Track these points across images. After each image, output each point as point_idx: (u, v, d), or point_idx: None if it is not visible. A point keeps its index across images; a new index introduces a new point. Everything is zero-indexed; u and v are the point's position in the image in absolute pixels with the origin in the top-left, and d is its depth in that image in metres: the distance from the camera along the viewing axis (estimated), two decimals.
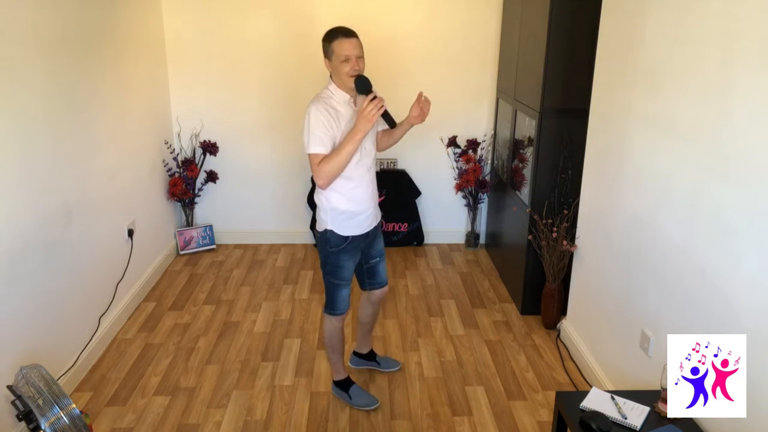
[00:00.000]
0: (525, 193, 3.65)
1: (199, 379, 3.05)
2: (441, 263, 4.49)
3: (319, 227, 2.60)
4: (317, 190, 2.56)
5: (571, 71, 3.25)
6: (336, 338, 2.80)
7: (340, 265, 2.62)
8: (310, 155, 2.43)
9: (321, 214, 2.58)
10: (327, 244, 2.58)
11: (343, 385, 2.89)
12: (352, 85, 2.44)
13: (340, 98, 2.49)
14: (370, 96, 2.37)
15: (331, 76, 2.52)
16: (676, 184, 2.25)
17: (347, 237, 2.58)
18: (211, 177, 4.60)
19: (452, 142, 4.57)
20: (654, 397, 2.13)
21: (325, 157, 2.41)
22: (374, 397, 2.88)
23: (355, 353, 3.15)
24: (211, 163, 4.63)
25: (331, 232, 2.56)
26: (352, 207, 2.55)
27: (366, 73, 2.46)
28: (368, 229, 2.64)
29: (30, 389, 2.17)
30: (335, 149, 2.41)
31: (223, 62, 4.42)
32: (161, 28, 4.30)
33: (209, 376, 3.09)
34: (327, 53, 2.46)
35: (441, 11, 4.37)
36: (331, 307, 2.71)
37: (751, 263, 1.85)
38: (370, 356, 3.12)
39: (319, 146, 2.40)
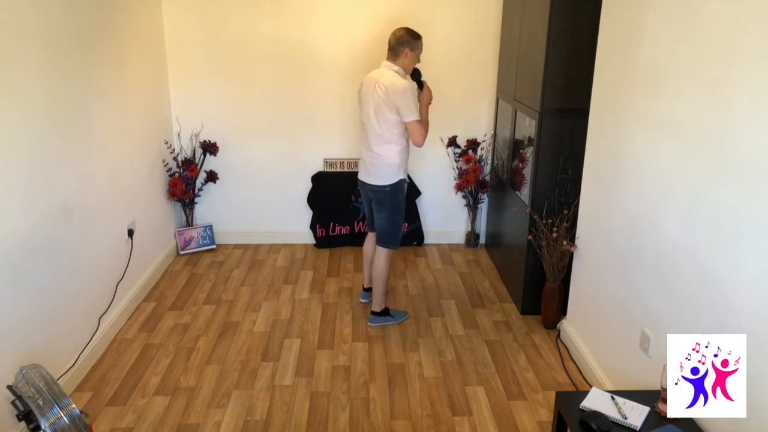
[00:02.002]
0: (525, 193, 3.65)
1: (199, 379, 3.06)
2: (441, 263, 4.49)
3: (391, 180, 3.30)
4: (391, 151, 3.25)
5: (571, 71, 3.25)
6: (389, 269, 3.53)
7: (404, 204, 3.42)
8: (416, 122, 3.16)
9: (392, 170, 3.28)
10: (399, 192, 3.35)
11: (384, 313, 3.57)
12: (410, 72, 3.32)
13: (405, 77, 3.26)
14: (426, 82, 3.42)
15: (391, 59, 3.26)
16: (676, 184, 2.25)
17: (406, 182, 3.40)
18: (211, 177, 4.60)
19: (452, 142, 4.57)
20: (654, 397, 2.13)
21: (423, 122, 3.23)
22: (405, 311, 3.70)
23: (365, 289, 3.83)
24: (211, 163, 4.63)
25: (402, 180, 3.34)
26: (407, 158, 3.38)
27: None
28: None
29: (30, 389, 2.17)
30: (423, 118, 3.27)
31: (224, 62, 4.42)
32: (161, 28, 4.30)
33: (209, 376, 3.09)
34: (413, 47, 3.23)
35: (441, 11, 4.37)
36: (395, 242, 3.45)
37: (751, 263, 1.85)
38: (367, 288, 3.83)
39: (419, 114, 3.20)
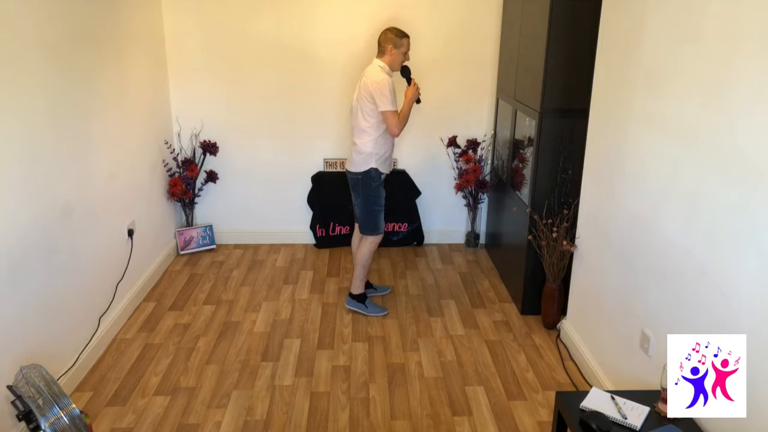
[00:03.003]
0: (525, 193, 3.65)
1: (199, 379, 3.06)
2: (441, 263, 4.49)
3: (362, 168, 3.49)
4: (364, 140, 3.45)
5: (571, 71, 3.25)
6: (371, 257, 3.68)
7: (380, 194, 3.57)
8: (389, 112, 3.37)
9: (363, 158, 3.48)
10: (370, 180, 3.52)
11: (360, 298, 3.71)
12: (399, 69, 3.51)
13: (390, 73, 3.46)
14: (414, 79, 3.59)
15: (378, 56, 3.47)
16: (676, 184, 2.25)
17: (382, 173, 3.54)
18: (211, 177, 4.60)
19: (452, 142, 4.57)
20: (654, 397, 2.13)
21: (400, 114, 3.43)
22: (384, 307, 3.75)
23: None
24: (211, 163, 4.63)
25: (375, 169, 3.50)
26: (388, 150, 3.54)
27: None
28: (389, 170, 3.62)
29: (30, 389, 2.17)
30: (402, 110, 3.47)
31: (224, 62, 4.42)
32: (161, 28, 4.30)
33: (209, 376, 3.09)
34: (396, 44, 3.43)
35: (441, 11, 4.37)
36: (375, 229, 3.61)
37: (752, 263, 1.85)
38: (368, 285, 3.89)
39: (394, 106, 3.39)
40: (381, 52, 3.46)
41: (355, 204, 3.65)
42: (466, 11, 4.38)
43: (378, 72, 3.40)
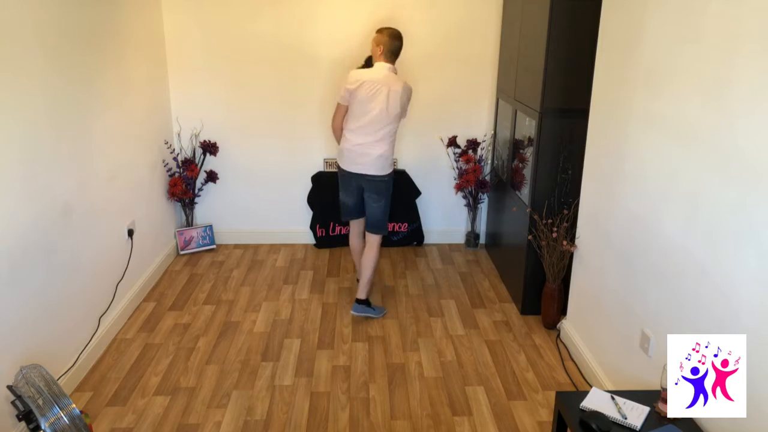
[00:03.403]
0: (525, 193, 3.65)
1: (199, 379, 3.06)
2: (441, 263, 4.49)
3: (390, 170, 3.57)
4: (388, 143, 3.49)
5: (571, 71, 3.25)
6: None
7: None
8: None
9: (390, 161, 3.56)
10: (392, 181, 3.61)
11: (367, 302, 3.65)
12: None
13: None
14: None
15: (394, 62, 3.51)
16: (676, 184, 2.25)
17: None
18: (211, 177, 4.60)
19: (452, 142, 4.57)
20: (654, 397, 2.13)
21: None
22: (383, 307, 3.77)
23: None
24: (211, 163, 4.63)
25: (394, 170, 3.64)
26: None
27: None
28: None
29: (30, 389, 2.17)
30: None
31: (224, 62, 4.42)
32: (161, 28, 4.30)
33: (209, 376, 3.09)
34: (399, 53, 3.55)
35: (441, 11, 4.37)
36: (386, 228, 3.65)
37: (751, 263, 1.85)
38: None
39: None
40: (396, 58, 3.51)
41: (375, 206, 3.59)
42: (465, 11, 4.38)
43: (402, 80, 3.46)
